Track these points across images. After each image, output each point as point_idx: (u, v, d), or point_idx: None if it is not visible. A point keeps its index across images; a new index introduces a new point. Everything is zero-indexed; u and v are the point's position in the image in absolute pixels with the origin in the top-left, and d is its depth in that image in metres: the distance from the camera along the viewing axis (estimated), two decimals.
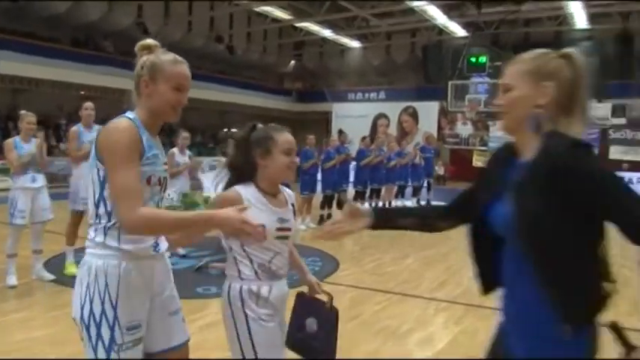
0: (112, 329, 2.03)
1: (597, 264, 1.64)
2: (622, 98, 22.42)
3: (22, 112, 6.16)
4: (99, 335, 2.02)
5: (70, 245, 6.39)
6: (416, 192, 15.11)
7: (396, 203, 14.31)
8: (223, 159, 9.56)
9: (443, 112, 25.91)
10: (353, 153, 13.48)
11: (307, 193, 10.72)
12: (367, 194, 13.02)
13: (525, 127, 1.71)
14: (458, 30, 24.52)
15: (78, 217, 6.37)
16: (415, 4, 21.11)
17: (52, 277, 6.05)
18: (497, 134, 24.70)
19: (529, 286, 1.63)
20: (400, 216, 2.05)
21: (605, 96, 22.78)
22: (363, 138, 13.38)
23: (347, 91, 29.87)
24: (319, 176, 11.46)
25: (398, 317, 5.12)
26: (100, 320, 2.02)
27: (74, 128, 6.42)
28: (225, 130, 29.36)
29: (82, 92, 21.09)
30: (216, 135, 27.62)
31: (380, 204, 13.62)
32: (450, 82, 23.34)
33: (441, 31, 25.43)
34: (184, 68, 2.18)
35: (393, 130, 26.93)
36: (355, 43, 28.52)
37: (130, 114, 2.14)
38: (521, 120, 1.72)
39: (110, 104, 22.98)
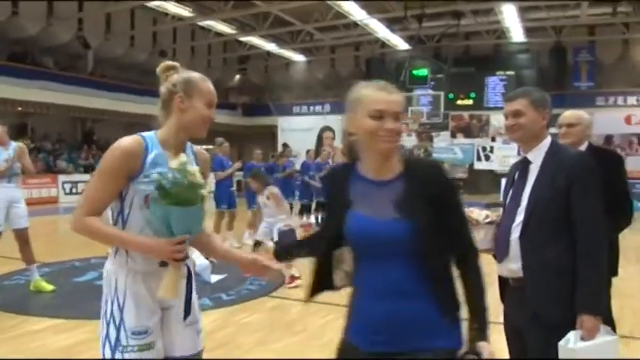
0: (117, 330, 2.21)
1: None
2: (557, 108, 23.09)
3: None
4: (108, 333, 2.22)
5: None
6: None
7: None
8: None
9: None
10: (298, 166, 13.51)
11: (255, 207, 10.54)
12: (313, 207, 13.08)
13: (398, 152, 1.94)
14: (400, 43, 24.97)
15: None
16: (358, 18, 21.41)
17: None
18: (442, 145, 25.24)
19: (419, 289, 1.85)
20: (298, 248, 2.31)
21: None
22: (308, 151, 13.47)
23: (292, 105, 29.95)
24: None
25: None
26: (110, 320, 2.23)
27: None
28: None
29: (20, 108, 20.51)
30: None
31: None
32: None
33: (383, 44, 25.86)
34: (212, 86, 2.35)
35: (338, 142, 27.08)
36: (299, 57, 28.68)
37: (146, 133, 2.26)
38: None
39: (49, 120, 22.54)
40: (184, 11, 21.22)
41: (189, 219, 2.13)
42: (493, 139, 24.39)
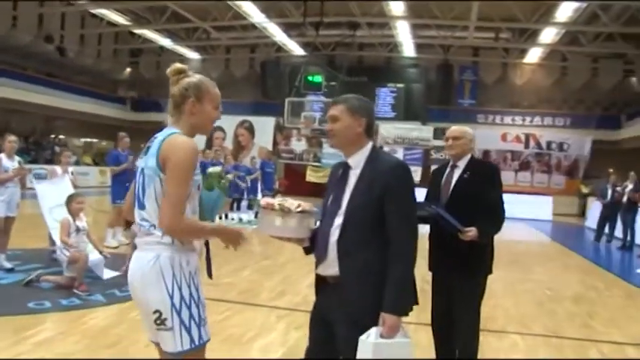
0: (198, 307, 2.45)
1: None
2: (443, 122, 24.51)
3: None
4: (191, 315, 2.42)
5: None
6: (251, 205, 15.35)
7: (232, 215, 14.45)
8: (49, 167, 9.00)
9: (278, 128, 26.43)
10: None
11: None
12: None
13: None
14: (296, 49, 25.29)
15: None
16: (256, 20, 21.48)
17: None
18: (330, 151, 25.75)
19: None
20: None
21: (428, 119, 24.77)
22: (204, 151, 13.40)
23: None
24: None
25: (242, 325, 5.24)
26: (190, 302, 2.42)
27: None
28: (53, 136, 27.46)
29: None
30: (41, 142, 25.79)
31: (216, 218, 13.67)
32: (286, 99, 23.95)
33: (279, 48, 26.07)
34: (218, 89, 2.60)
35: (228, 143, 27.00)
36: (194, 55, 28.28)
37: (175, 129, 2.48)
38: None
39: None
40: None
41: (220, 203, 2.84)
42: (380, 148, 25.20)
